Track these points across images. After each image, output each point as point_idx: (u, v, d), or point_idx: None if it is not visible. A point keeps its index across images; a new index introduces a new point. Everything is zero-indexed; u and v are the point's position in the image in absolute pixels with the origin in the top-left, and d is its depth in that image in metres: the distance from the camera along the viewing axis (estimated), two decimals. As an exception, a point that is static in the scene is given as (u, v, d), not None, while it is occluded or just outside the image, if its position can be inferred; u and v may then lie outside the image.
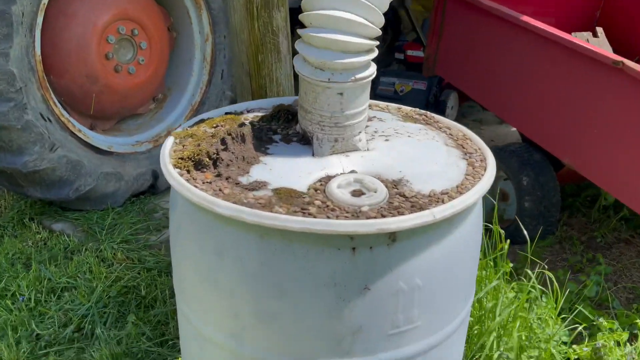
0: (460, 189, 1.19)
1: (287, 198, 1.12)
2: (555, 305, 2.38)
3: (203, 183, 1.17)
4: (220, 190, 1.14)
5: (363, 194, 1.14)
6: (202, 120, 1.44)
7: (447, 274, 1.20)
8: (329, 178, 1.20)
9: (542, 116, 3.11)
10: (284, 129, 1.43)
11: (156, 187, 3.72)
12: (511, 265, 2.48)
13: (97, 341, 2.45)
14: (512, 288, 2.48)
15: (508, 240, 2.40)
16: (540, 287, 2.40)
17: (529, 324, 2.27)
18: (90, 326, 2.54)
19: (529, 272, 2.32)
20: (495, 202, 2.41)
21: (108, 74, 3.37)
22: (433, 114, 1.59)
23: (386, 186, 1.17)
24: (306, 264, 1.08)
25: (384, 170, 1.25)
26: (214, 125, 1.37)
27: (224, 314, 1.20)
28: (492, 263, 2.35)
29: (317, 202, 1.11)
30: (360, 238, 1.07)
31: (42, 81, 3.03)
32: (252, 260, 1.11)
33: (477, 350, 2.21)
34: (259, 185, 1.16)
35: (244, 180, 1.19)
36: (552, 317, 2.32)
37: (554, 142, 3.06)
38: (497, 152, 3.21)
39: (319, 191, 1.16)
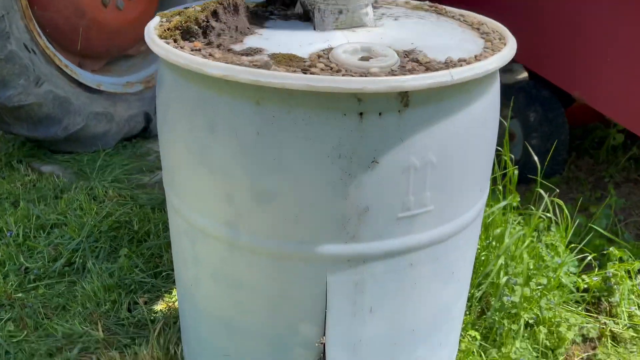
0: (478, 58, 1.06)
1: (286, 61, 0.99)
2: (564, 235, 2.29)
3: (192, 50, 1.05)
4: (210, 55, 1.02)
5: (372, 58, 1.02)
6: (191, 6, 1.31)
7: (463, 153, 1.08)
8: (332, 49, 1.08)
9: (549, 48, 2.97)
10: (281, 11, 1.30)
11: (149, 130, 3.58)
12: (518, 199, 2.38)
13: (89, 275, 2.36)
14: (519, 221, 2.39)
15: (517, 170, 2.30)
16: (550, 215, 2.30)
17: (538, 252, 2.18)
18: (81, 260, 2.44)
19: (535, 208, 2.22)
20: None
21: (95, 8, 3.20)
22: (444, 6, 1.46)
23: (397, 54, 1.05)
24: (308, 133, 0.97)
25: (395, 42, 1.13)
26: (204, 5, 1.23)
27: (217, 199, 1.09)
28: (500, 188, 2.25)
29: (320, 65, 0.99)
30: (369, 101, 0.95)
31: (26, 10, 2.87)
32: (247, 131, 0.99)
33: (483, 277, 2.12)
34: (254, 51, 1.04)
35: (237, 47, 1.06)
36: (561, 245, 2.23)
37: (563, 75, 2.93)
38: (503, 89, 3.08)
39: (322, 58, 1.03)
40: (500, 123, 1.32)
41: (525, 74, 3.58)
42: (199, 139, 1.07)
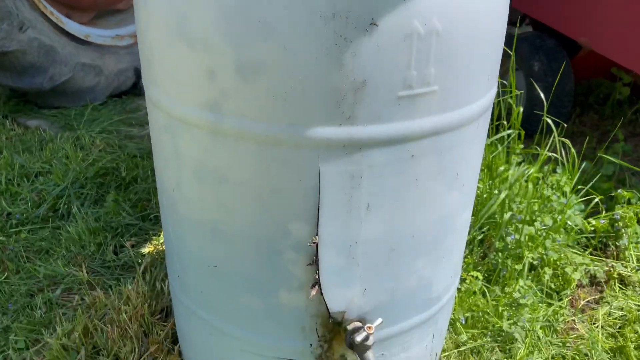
0: None
1: None
2: (570, 176, 2.19)
3: None
4: None
5: None
6: None
7: (471, 26, 0.98)
8: None
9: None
10: None
11: (139, 86, 3.47)
12: (521, 146, 2.29)
13: (74, 220, 2.25)
14: (524, 161, 2.29)
15: (520, 109, 2.19)
16: (555, 154, 2.20)
17: (543, 192, 2.08)
18: (65, 206, 2.34)
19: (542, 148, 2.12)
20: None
21: (83, -45, 3.08)
22: None
23: None
24: (298, -12, 0.86)
25: None
26: None
27: (198, 78, 0.98)
28: (505, 123, 2.14)
29: None
30: (367, -51, 0.84)
31: (7, -49, 2.74)
32: (230, -10, 0.88)
33: (486, 218, 2.02)
34: None
35: None
36: (567, 186, 2.13)
37: (568, 21, 2.82)
38: (506, 39, 2.97)
39: None
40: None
41: (529, 28, 3.47)
42: (176, 7, 0.96)
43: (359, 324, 1.20)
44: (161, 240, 2.13)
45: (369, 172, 1.02)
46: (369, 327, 1.14)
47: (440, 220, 1.19)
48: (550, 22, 2.92)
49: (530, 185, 1.91)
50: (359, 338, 1.13)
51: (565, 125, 3.11)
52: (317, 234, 1.07)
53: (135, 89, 3.47)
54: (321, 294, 1.14)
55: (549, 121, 2.15)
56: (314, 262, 1.10)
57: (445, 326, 1.51)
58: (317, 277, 1.11)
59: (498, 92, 2.47)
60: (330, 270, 1.12)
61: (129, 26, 3.48)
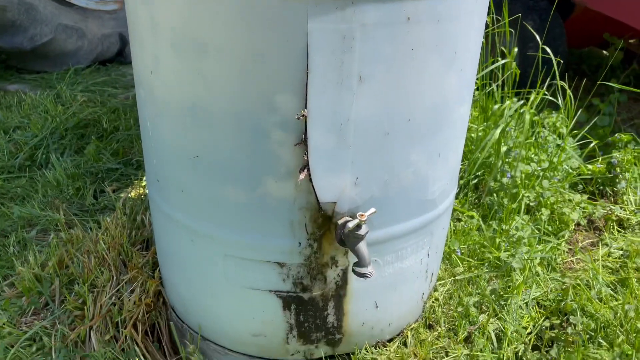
0: None
1: None
2: (567, 116, 2.13)
3: None
4: None
5: None
6: None
7: None
8: None
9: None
10: None
11: (124, 54, 3.39)
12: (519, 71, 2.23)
13: (53, 168, 2.16)
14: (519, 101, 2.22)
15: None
16: (551, 97, 2.15)
17: (540, 130, 2.02)
18: (44, 156, 2.25)
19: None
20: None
21: None
22: None
23: None
24: None
25: None
26: None
27: None
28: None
29: None
30: None
31: None
32: None
33: (481, 160, 1.96)
34: None
35: None
36: (565, 126, 2.08)
37: (562, -20, 2.79)
38: (498, 2, 2.93)
39: None
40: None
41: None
42: None
43: (349, 219, 1.12)
44: (143, 184, 2.04)
45: (361, 32, 0.95)
46: (361, 215, 1.06)
47: (436, 108, 1.12)
48: (543, -19, 2.89)
49: (528, 116, 1.84)
50: (350, 225, 1.05)
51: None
52: (305, 107, 0.99)
53: (121, 57, 3.39)
54: (310, 180, 1.06)
55: (548, 55, 2.09)
56: (303, 141, 1.02)
57: (441, 243, 1.43)
58: (305, 158, 1.03)
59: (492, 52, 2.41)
60: (320, 152, 1.04)
61: (114, -8, 3.40)
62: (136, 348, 1.36)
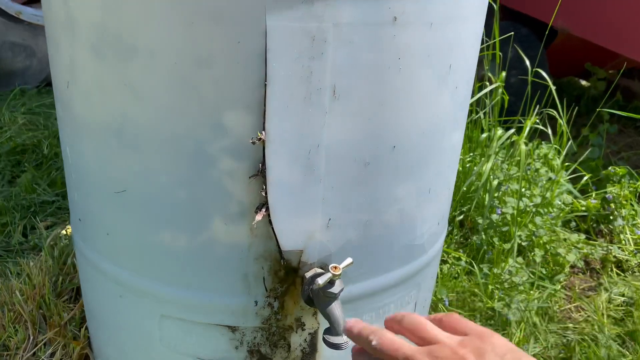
0: None
1: None
2: (559, 147, 1.97)
3: None
4: None
5: None
6: None
7: None
8: None
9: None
10: None
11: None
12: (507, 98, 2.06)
13: (-23, 200, 1.87)
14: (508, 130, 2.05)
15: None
16: (542, 127, 1.98)
17: (532, 161, 1.84)
18: (-31, 186, 1.95)
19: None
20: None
21: None
22: None
23: None
24: None
25: None
26: None
27: None
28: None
29: None
30: None
31: None
32: None
33: (467, 193, 1.76)
34: None
35: None
36: (557, 157, 1.90)
37: (544, 6, 2.68)
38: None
39: None
40: None
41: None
42: None
43: (320, 271, 0.89)
44: (83, 220, 1.77)
45: (335, 34, 0.74)
46: (334, 267, 0.83)
47: (427, 133, 0.90)
48: (525, 9, 2.78)
49: (522, 147, 1.65)
50: (320, 281, 0.81)
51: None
52: (263, 128, 0.77)
53: (75, 79, 3.12)
54: (270, 222, 0.82)
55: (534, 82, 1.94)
56: (260, 172, 0.79)
57: (428, 296, 1.20)
58: (264, 194, 0.80)
59: (479, 85, 2.25)
60: (283, 186, 0.81)
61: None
62: None
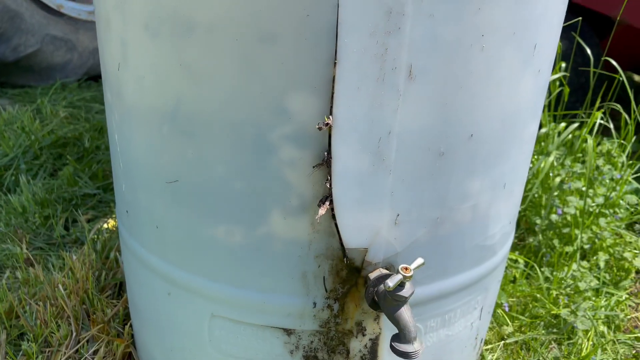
0: None
1: None
2: (623, 143, 1.84)
3: None
4: None
5: None
6: None
7: None
8: None
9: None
10: None
11: (118, 69, 3.12)
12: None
13: (21, 192, 1.85)
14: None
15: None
16: (604, 122, 1.85)
17: (595, 161, 1.71)
18: (13, 178, 1.95)
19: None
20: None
21: None
22: None
23: None
24: None
25: None
26: None
27: None
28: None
29: None
30: None
31: None
32: None
33: (524, 191, 1.65)
34: None
35: None
36: (621, 155, 1.77)
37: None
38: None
39: None
40: None
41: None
42: None
43: (386, 272, 0.81)
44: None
45: (415, 7, 0.66)
46: (405, 268, 0.75)
47: (506, 121, 0.82)
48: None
49: (590, 142, 1.53)
50: (390, 283, 0.73)
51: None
52: (330, 113, 0.69)
53: (114, 73, 3.12)
54: (333, 217, 0.75)
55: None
56: (325, 161, 0.72)
57: (493, 301, 1.11)
58: (328, 186, 0.73)
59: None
60: (349, 177, 0.73)
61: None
62: None
